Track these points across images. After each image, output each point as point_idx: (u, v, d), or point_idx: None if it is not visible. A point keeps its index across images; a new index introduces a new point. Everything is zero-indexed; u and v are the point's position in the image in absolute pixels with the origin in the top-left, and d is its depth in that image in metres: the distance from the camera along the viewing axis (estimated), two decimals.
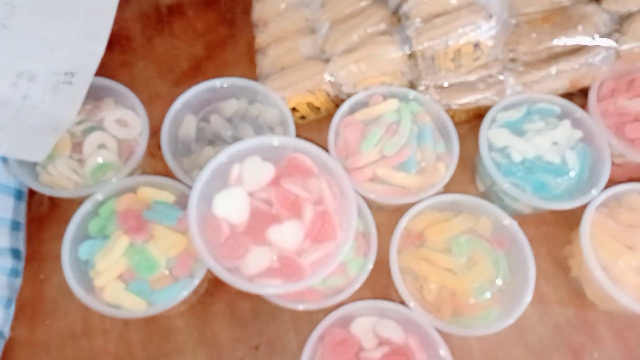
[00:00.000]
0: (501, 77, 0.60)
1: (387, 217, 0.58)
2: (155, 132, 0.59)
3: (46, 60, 0.55)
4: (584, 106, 0.60)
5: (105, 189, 0.54)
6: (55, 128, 0.54)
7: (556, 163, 0.56)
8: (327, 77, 0.60)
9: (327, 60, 0.61)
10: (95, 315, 0.54)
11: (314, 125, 0.68)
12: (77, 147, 0.57)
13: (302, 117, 0.66)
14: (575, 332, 0.57)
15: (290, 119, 0.60)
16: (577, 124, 0.59)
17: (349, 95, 0.61)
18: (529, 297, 0.50)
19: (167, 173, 0.56)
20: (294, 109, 0.63)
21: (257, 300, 0.57)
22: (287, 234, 0.47)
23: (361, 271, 0.52)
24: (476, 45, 0.57)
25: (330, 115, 0.60)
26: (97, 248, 0.51)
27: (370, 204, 0.56)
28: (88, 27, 0.57)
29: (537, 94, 0.60)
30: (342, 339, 0.49)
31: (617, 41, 0.57)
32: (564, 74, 0.59)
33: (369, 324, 0.51)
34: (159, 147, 0.57)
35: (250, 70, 0.70)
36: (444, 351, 0.48)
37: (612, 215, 0.54)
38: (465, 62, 0.59)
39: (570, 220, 0.60)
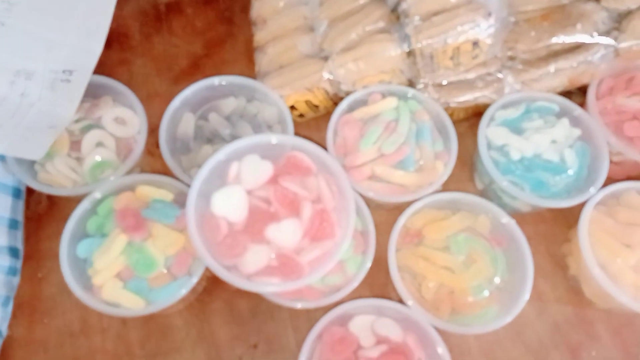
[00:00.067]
0: (500, 75, 0.60)
1: (386, 215, 0.58)
2: (153, 130, 0.59)
3: (44, 58, 0.55)
4: (582, 104, 0.60)
5: (104, 187, 0.54)
6: (53, 126, 0.54)
7: (555, 161, 0.56)
8: (326, 75, 0.60)
9: (325, 59, 0.61)
10: (93, 313, 0.55)
11: (312, 123, 0.68)
12: (75, 145, 0.57)
13: (301, 116, 0.66)
14: (574, 330, 0.57)
15: (288, 117, 0.60)
16: (575, 122, 0.59)
17: (347, 94, 0.61)
18: (527, 295, 0.50)
19: (166, 171, 0.56)
20: (292, 107, 0.63)
21: (256, 299, 0.57)
22: (286, 232, 0.47)
23: (359, 269, 0.52)
24: (475, 44, 0.57)
25: (328, 114, 0.60)
26: (95, 246, 0.51)
27: (368, 202, 0.56)
28: (86, 25, 0.57)
29: (535, 92, 0.60)
30: (340, 337, 0.49)
31: (615, 39, 0.57)
32: (563, 72, 0.59)
33: (367, 322, 0.51)
34: (157, 146, 0.57)
35: (248, 68, 0.70)
36: (442, 349, 0.48)
37: (610, 214, 0.54)
38: (464, 60, 0.59)
39: (569, 218, 0.60)
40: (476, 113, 0.63)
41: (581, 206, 0.54)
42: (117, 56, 0.73)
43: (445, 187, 0.56)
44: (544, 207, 0.56)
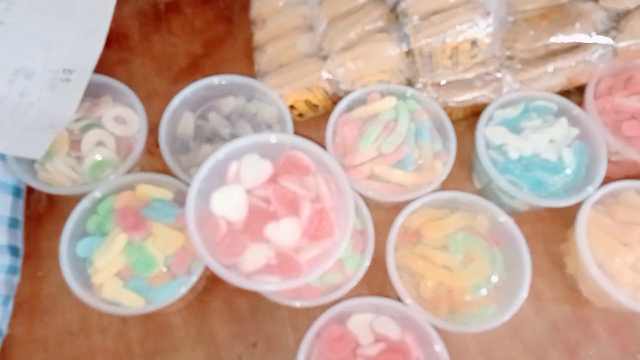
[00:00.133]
0: (498, 75, 0.60)
1: (384, 214, 0.58)
2: (153, 130, 0.59)
3: (44, 57, 0.55)
4: (581, 104, 0.60)
5: (104, 186, 0.54)
6: (53, 125, 0.54)
7: (553, 161, 0.56)
8: (325, 75, 0.60)
9: (325, 58, 0.61)
10: (93, 312, 0.55)
11: (311, 122, 0.68)
12: (75, 144, 0.57)
13: (300, 115, 0.66)
14: (571, 329, 0.57)
15: (288, 116, 0.60)
16: (574, 121, 0.59)
17: (346, 93, 0.61)
18: (525, 294, 0.50)
19: (165, 170, 0.56)
20: (291, 107, 0.63)
21: (255, 298, 0.57)
22: (285, 231, 0.47)
23: (358, 268, 0.53)
24: (473, 43, 0.57)
25: (328, 113, 0.60)
26: (95, 245, 0.51)
27: (367, 201, 0.56)
28: (86, 24, 0.57)
29: (534, 91, 0.60)
30: (339, 336, 0.49)
31: (614, 39, 0.57)
32: (561, 72, 0.59)
33: (366, 320, 0.51)
34: (157, 145, 0.57)
35: (248, 67, 0.70)
36: (440, 348, 0.49)
37: (608, 213, 0.55)
38: (463, 59, 0.59)
39: (567, 217, 0.60)
40: (475, 112, 0.63)
41: (579, 205, 0.54)
42: (116, 56, 0.74)
43: (444, 187, 0.56)
44: (542, 206, 0.56)
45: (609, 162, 0.56)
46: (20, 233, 0.61)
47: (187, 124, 0.61)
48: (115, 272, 0.50)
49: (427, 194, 0.55)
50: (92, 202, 0.53)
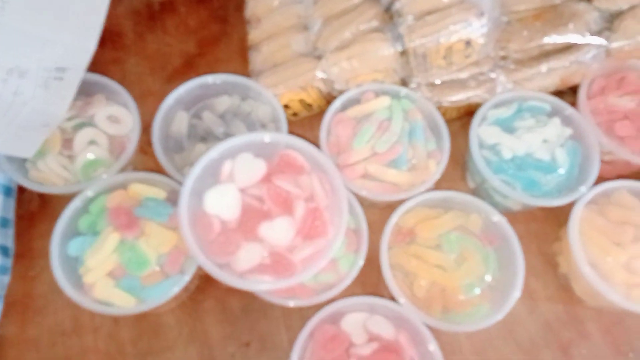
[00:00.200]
0: (492, 75, 0.60)
1: (378, 213, 0.58)
2: (146, 129, 0.59)
3: (37, 56, 0.55)
4: (574, 104, 0.60)
5: (96, 185, 0.53)
6: (46, 124, 0.54)
7: (546, 160, 0.56)
8: (320, 74, 0.60)
9: (319, 57, 0.61)
10: (85, 312, 0.54)
11: (306, 122, 0.68)
12: (67, 143, 0.56)
13: (294, 114, 0.66)
14: (564, 328, 0.57)
15: (282, 115, 0.60)
16: (567, 121, 0.59)
17: (341, 92, 0.61)
18: (518, 294, 0.50)
19: (159, 170, 0.55)
20: (286, 106, 0.63)
21: (248, 297, 0.57)
22: (279, 231, 0.47)
23: (352, 268, 0.52)
24: (467, 43, 0.57)
25: (322, 112, 0.60)
26: (87, 245, 0.50)
27: (361, 200, 0.56)
28: (80, 23, 0.57)
29: (527, 91, 0.60)
30: (332, 335, 0.49)
31: (607, 39, 0.58)
32: (555, 72, 0.59)
33: (360, 320, 0.51)
34: (150, 144, 0.57)
35: (243, 66, 0.70)
36: (433, 347, 0.49)
37: (601, 212, 0.55)
38: (457, 59, 0.59)
39: (560, 217, 0.60)
40: (468, 112, 0.63)
41: (572, 205, 0.54)
42: (110, 55, 0.73)
43: (438, 186, 0.56)
44: (535, 205, 0.56)
45: (602, 162, 0.56)
46: (10, 232, 0.60)
47: (181, 123, 0.60)
48: (107, 271, 0.49)
49: (421, 194, 0.55)
50: (84, 201, 0.53)
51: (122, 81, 0.61)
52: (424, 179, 0.56)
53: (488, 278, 0.53)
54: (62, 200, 0.55)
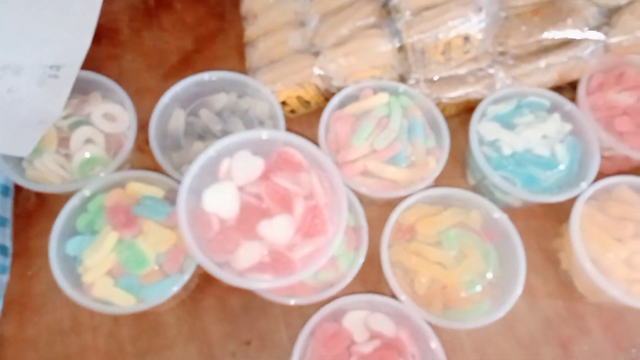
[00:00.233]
0: (491, 71, 0.60)
1: (378, 211, 0.58)
2: (143, 127, 0.58)
3: (32, 53, 0.55)
4: (573, 100, 0.60)
5: (93, 184, 0.53)
6: (41, 122, 0.54)
7: (546, 156, 0.56)
8: (317, 71, 0.60)
9: (316, 54, 0.61)
10: (84, 311, 0.54)
11: (304, 119, 0.67)
12: (63, 141, 0.56)
13: (292, 111, 0.66)
14: (565, 325, 0.57)
15: (280, 112, 0.59)
16: (566, 117, 0.59)
17: (339, 89, 0.61)
18: (519, 290, 0.50)
19: (156, 168, 0.55)
20: (283, 103, 0.63)
21: (248, 295, 0.57)
22: (278, 229, 0.47)
23: (352, 265, 0.52)
24: (466, 38, 0.57)
25: (320, 109, 0.60)
26: (85, 244, 0.50)
27: (361, 198, 0.55)
28: (74, 19, 0.56)
29: (526, 87, 0.60)
30: (333, 333, 0.49)
31: (606, 34, 0.58)
32: (554, 67, 0.59)
33: (361, 317, 0.51)
34: (147, 142, 0.56)
35: (240, 63, 0.69)
36: (435, 344, 0.49)
37: (601, 208, 0.55)
38: (455, 55, 0.59)
39: (560, 213, 0.60)
40: (468, 109, 0.63)
41: (572, 201, 0.54)
42: (106, 52, 0.73)
43: (437, 183, 0.56)
44: (535, 202, 0.56)
45: (602, 157, 0.56)
46: (8, 232, 0.60)
47: (178, 120, 0.60)
48: (105, 270, 0.49)
49: (421, 191, 0.55)
50: (81, 200, 0.52)
51: (118, 78, 0.60)
52: (423, 175, 0.56)
53: (489, 275, 0.53)
54: (59, 199, 0.54)
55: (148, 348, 0.55)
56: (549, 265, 0.60)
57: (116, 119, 0.59)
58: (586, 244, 0.52)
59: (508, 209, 0.56)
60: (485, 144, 0.58)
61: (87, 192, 0.53)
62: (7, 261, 0.58)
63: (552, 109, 0.60)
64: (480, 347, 0.56)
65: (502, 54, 0.60)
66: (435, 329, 0.49)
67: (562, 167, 0.56)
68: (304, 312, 0.54)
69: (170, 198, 0.53)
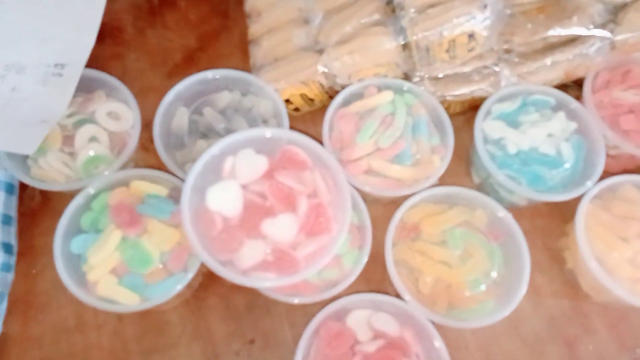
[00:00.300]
0: (496, 69, 0.60)
1: (382, 209, 0.58)
2: (147, 125, 0.58)
3: (35, 51, 0.55)
4: (578, 98, 0.60)
5: (98, 182, 0.53)
6: (45, 120, 0.54)
7: (551, 155, 0.56)
8: (321, 69, 0.60)
9: (321, 52, 0.61)
10: (88, 309, 0.54)
11: (308, 117, 0.67)
12: (68, 140, 0.56)
13: (296, 109, 0.65)
14: (570, 324, 0.57)
15: (283, 111, 0.59)
16: (572, 115, 0.58)
17: (343, 87, 0.61)
18: (524, 290, 0.50)
19: (160, 166, 0.55)
20: (287, 101, 0.63)
21: (252, 294, 0.56)
22: (282, 227, 0.47)
23: (356, 264, 0.52)
24: (471, 36, 0.57)
25: (324, 108, 0.59)
26: (89, 242, 0.50)
27: (365, 196, 0.55)
28: (78, 18, 0.56)
29: (532, 85, 0.60)
30: (337, 332, 0.49)
31: (612, 32, 0.57)
32: (559, 65, 0.59)
33: (365, 317, 0.51)
34: (151, 140, 0.56)
35: (244, 61, 0.69)
36: (439, 343, 0.48)
37: (606, 207, 0.54)
38: (460, 53, 0.58)
39: (565, 212, 0.60)
40: (473, 107, 0.62)
41: (577, 200, 0.54)
42: (110, 50, 0.73)
43: (442, 182, 0.56)
44: (540, 201, 0.56)
45: (607, 156, 0.56)
46: (13, 230, 0.60)
47: (182, 119, 0.60)
48: (109, 269, 0.49)
49: (426, 189, 0.55)
50: (85, 199, 0.53)
51: (122, 77, 0.61)
52: (428, 174, 0.55)
53: (493, 274, 0.53)
54: (64, 198, 0.54)
55: (152, 347, 0.55)
56: (554, 265, 0.59)
57: (120, 117, 0.59)
58: (591, 243, 0.52)
59: (513, 208, 0.56)
60: (490, 142, 0.57)
61: (91, 191, 0.53)
62: (12, 259, 0.59)
63: (558, 107, 0.59)
64: (485, 346, 0.56)
65: (507, 51, 0.60)
66: (440, 328, 0.49)
67: (567, 165, 0.56)
68: (308, 311, 0.54)
69: (174, 196, 0.53)
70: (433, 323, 0.49)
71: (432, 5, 0.56)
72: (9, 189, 0.61)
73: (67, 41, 0.55)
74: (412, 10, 0.57)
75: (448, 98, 0.61)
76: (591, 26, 0.57)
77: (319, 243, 0.47)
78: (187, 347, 0.55)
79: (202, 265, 0.50)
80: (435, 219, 0.54)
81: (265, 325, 0.56)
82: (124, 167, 0.57)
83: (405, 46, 0.58)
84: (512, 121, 0.58)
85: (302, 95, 0.63)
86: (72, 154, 0.56)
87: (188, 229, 0.45)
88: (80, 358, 0.55)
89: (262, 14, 0.67)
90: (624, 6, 0.58)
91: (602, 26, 0.57)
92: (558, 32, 0.57)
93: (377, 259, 0.53)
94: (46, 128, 0.54)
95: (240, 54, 0.72)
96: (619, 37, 0.57)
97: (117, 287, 0.49)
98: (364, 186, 0.54)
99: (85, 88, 0.58)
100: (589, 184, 0.54)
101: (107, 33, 0.73)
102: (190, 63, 0.72)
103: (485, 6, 0.55)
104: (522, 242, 0.52)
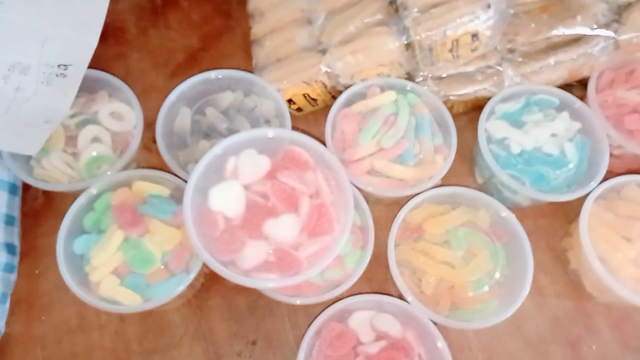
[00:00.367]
0: (499, 68, 0.60)
1: (385, 210, 0.58)
2: (150, 125, 0.58)
3: (39, 52, 0.55)
4: (582, 97, 0.60)
5: (100, 182, 0.53)
6: (49, 121, 0.54)
7: (555, 155, 0.55)
8: (324, 69, 0.60)
9: (323, 52, 0.60)
10: (91, 310, 0.54)
11: (310, 117, 0.67)
12: (71, 140, 0.56)
13: (299, 109, 0.65)
14: (573, 324, 0.57)
15: (286, 111, 0.59)
16: (575, 115, 0.58)
17: (346, 87, 0.61)
18: (527, 290, 0.50)
19: (163, 166, 0.55)
20: (290, 101, 0.62)
21: (254, 295, 0.56)
22: (284, 228, 0.47)
23: (359, 264, 0.52)
24: (474, 36, 0.56)
25: (327, 107, 0.59)
26: (92, 243, 0.50)
27: (367, 196, 0.55)
28: (81, 18, 0.57)
29: (535, 85, 0.60)
30: (339, 333, 0.49)
31: (615, 31, 0.57)
32: (563, 65, 0.58)
33: (367, 317, 0.50)
34: (154, 141, 0.56)
35: (246, 61, 0.69)
36: (441, 344, 0.48)
37: (610, 207, 0.54)
38: (463, 52, 0.58)
39: (569, 212, 0.60)
40: (476, 106, 0.62)
41: (581, 200, 0.53)
42: (113, 50, 0.73)
43: (445, 182, 0.56)
44: (544, 201, 0.55)
45: (611, 155, 0.56)
46: (16, 230, 0.60)
47: (184, 119, 0.60)
48: (112, 269, 0.49)
49: (428, 189, 0.55)
50: (88, 199, 0.53)
51: (125, 77, 0.61)
52: (431, 174, 0.55)
53: (497, 274, 0.52)
54: (66, 198, 0.55)
55: (154, 347, 0.55)
56: (558, 265, 0.59)
57: (123, 117, 0.59)
58: (595, 244, 0.51)
59: (516, 208, 0.56)
60: (493, 142, 0.57)
61: (94, 191, 0.53)
62: (15, 260, 0.59)
63: (561, 107, 0.59)
64: (488, 346, 0.55)
65: (510, 51, 0.60)
66: (443, 328, 0.49)
67: (571, 165, 0.55)
68: (310, 312, 0.54)
69: (177, 197, 0.53)
70: (436, 324, 0.49)
71: (435, 5, 0.56)
72: (12, 189, 0.61)
73: (70, 41, 0.55)
74: (415, 10, 0.56)
75: (451, 98, 0.61)
76: (595, 26, 0.57)
77: (321, 243, 0.47)
78: (189, 347, 0.55)
79: (204, 265, 0.50)
80: (438, 220, 0.54)
81: (267, 326, 0.56)
82: (126, 167, 0.57)
83: (408, 46, 0.58)
84: (515, 121, 0.58)
85: (305, 95, 0.62)
86: (74, 155, 0.56)
87: (190, 229, 0.45)
88: (83, 358, 0.55)
89: (264, 14, 0.67)
90: (628, 6, 0.57)
91: (606, 26, 0.57)
92: (562, 31, 0.57)
93: (379, 259, 0.53)
94: (49, 128, 0.54)
95: (242, 54, 0.72)
96: (623, 37, 0.57)
97: (119, 287, 0.49)
98: (366, 186, 0.54)
99: (88, 88, 0.58)
100: (592, 184, 0.54)
101: (110, 33, 0.74)
102: (192, 63, 0.72)
103: (488, 6, 0.55)
104: (526, 243, 0.52)
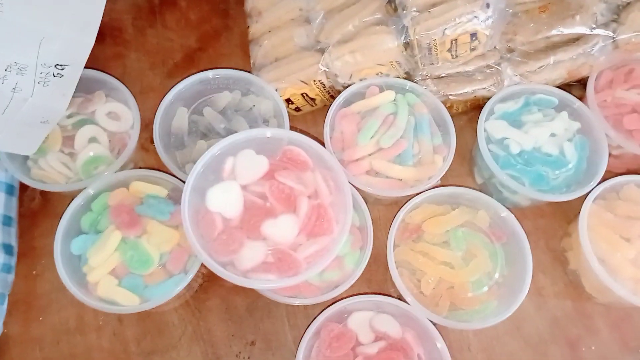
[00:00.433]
0: (499, 68, 0.60)
1: (384, 210, 0.58)
2: (147, 125, 0.58)
3: (36, 52, 0.54)
4: (582, 97, 0.59)
5: (97, 183, 0.53)
6: (46, 121, 0.54)
7: (554, 155, 0.55)
8: (322, 68, 0.60)
9: (322, 51, 0.60)
10: (89, 310, 0.54)
11: (309, 117, 0.67)
12: (68, 140, 0.56)
13: (297, 109, 0.65)
14: (573, 324, 0.57)
15: (284, 110, 0.59)
16: (575, 115, 0.58)
17: (344, 87, 0.60)
18: (526, 290, 0.50)
19: (160, 167, 0.55)
20: (288, 101, 0.62)
21: (252, 296, 0.56)
22: (282, 228, 0.47)
23: (358, 265, 0.52)
24: (473, 35, 0.56)
25: (325, 107, 0.59)
26: (89, 243, 0.50)
27: (366, 197, 0.55)
28: (78, 18, 0.56)
29: (535, 85, 0.59)
30: (338, 334, 0.49)
31: (614, 31, 0.57)
32: (562, 64, 0.58)
33: (366, 318, 0.50)
34: (151, 141, 0.56)
35: (244, 61, 0.69)
36: (441, 345, 0.48)
37: (609, 207, 0.54)
38: (463, 52, 0.58)
39: (568, 212, 0.60)
40: (475, 106, 0.62)
41: (581, 200, 0.53)
42: (110, 50, 0.73)
43: (444, 182, 0.56)
44: (543, 201, 0.55)
45: (610, 155, 0.56)
46: (14, 231, 0.60)
47: (182, 119, 0.60)
48: (109, 270, 0.49)
49: (428, 190, 0.54)
50: (85, 200, 0.52)
51: (122, 77, 0.61)
52: (430, 174, 0.55)
53: (496, 275, 0.52)
54: (63, 198, 0.54)
55: (152, 348, 0.55)
56: (557, 265, 0.59)
57: (120, 117, 0.59)
58: (594, 244, 0.51)
59: (516, 209, 0.56)
60: (493, 142, 0.57)
61: (91, 191, 0.53)
62: (12, 260, 0.58)
63: (561, 106, 0.59)
64: (487, 347, 0.55)
65: (510, 50, 0.60)
66: (442, 329, 0.49)
67: (570, 165, 0.55)
68: (309, 313, 0.54)
69: (174, 197, 0.53)
70: (435, 324, 0.49)
71: (434, 5, 0.56)
72: (9, 190, 0.61)
73: (68, 41, 0.55)
74: (414, 9, 0.56)
75: (450, 97, 0.61)
76: (594, 25, 0.57)
77: (320, 244, 0.47)
78: (187, 348, 0.55)
79: (202, 266, 0.50)
80: (437, 220, 0.54)
81: (266, 327, 0.56)
82: (123, 167, 0.56)
83: (407, 45, 0.58)
84: (514, 121, 0.58)
85: (303, 95, 0.62)
86: (72, 155, 0.56)
87: (188, 230, 0.45)
88: (81, 359, 0.54)
89: (262, 14, 0.66)
90: (626, 5, 0.57)
91: (605, 25, 0.57)
92: (561, 31, 0.57)
93: (378, 260, 0.53)
94: (47, 128, 0.54)
95: (240, 54, 0.72)
96: (622, 37, 0.57)
97: (117, 288, 0.49)
98: (365, 187, 0.54)
99: (85, 88, 0.58)
100: (592, 184, 0.54)
101: (107, 33, 0.73)
102: (190, 63, 0.72)
103: (487, 5, 0.55)
104: (525, 243, 0.52)
